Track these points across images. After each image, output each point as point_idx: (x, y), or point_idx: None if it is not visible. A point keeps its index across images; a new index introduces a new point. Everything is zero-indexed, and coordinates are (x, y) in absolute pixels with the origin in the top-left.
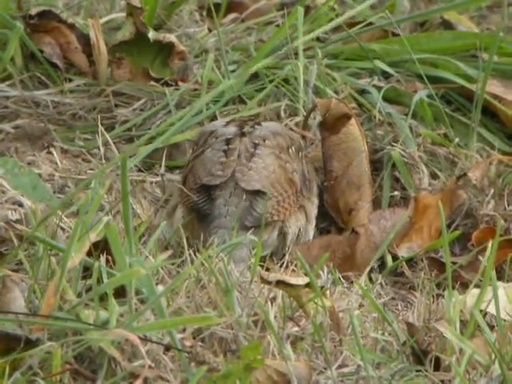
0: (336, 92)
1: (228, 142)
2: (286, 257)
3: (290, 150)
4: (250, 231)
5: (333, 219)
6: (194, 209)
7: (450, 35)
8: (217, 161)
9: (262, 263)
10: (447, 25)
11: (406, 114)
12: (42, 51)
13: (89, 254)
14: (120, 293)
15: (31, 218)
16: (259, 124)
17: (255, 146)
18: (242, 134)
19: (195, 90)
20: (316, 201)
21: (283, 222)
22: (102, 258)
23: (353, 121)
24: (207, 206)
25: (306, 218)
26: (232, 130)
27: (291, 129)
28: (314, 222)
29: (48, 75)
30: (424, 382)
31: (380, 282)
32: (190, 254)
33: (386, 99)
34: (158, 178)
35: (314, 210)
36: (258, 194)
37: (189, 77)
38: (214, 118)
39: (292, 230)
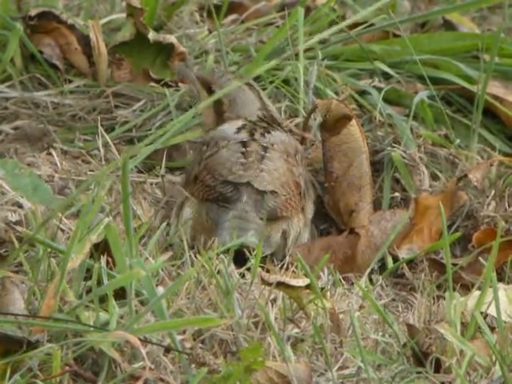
0: (336, 93)
1: (244, 144)
2: (287, 258)
3: (297, 156)
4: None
5: (333, 220)
6: (218, 199)
7: (450, 36)
8: (235, 161)
9: (262, 265)
10: (448, 26)
11: (407, 115)
12: (41, 52)
13: (89, 255)
14: (120, 294)
15: (31, 220)
16: (269, 132)
17: (265, 149)
18: (253, 140)
19: None
20: (312, 206)
21: (287, 223)
22: (103, 260)
23: (353, 122)
24: (236, 196)
25: (304, 220)
26: (243, 135)
27: (291, 131)
28: (309, 225)
29: (48, 76)
30: None
31: (380, 283)
32: (190, 256)
33: (386, 100)
34: (159, 180)
35: (310, 214)
36: (270, 192)
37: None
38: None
39: (294, 230)
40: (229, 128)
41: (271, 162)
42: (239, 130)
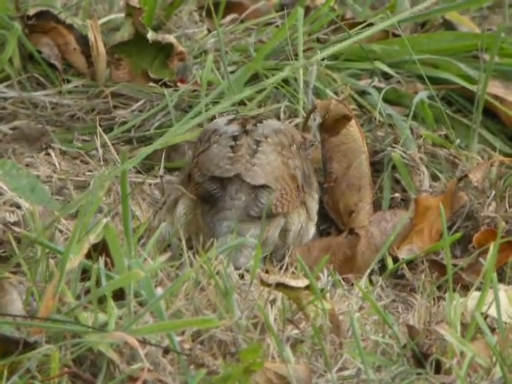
0: (336, 93)
1: (235, 138)
2: (286, 259)
3: (292, 147)
4: (256, 227)
5: (333, 221)
6: (205, 198)
7: (450, 36)
8: (224, 156)
9: (261, 265)
10: (448, 25)
11: (407, 115)
12: (40, 52)
13: (87, 256)
14: (119, 295)
15: (29, 220)
16: (261, 122)
17: (258, 143)
18: (245, 132)
19: (194, 91)
20: (316, 196)
21: (286, 219)
22: (101, 260)
23: (353, 122)
24: (220, 193)
25: (307, 214)
26: (235, 128)
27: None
28: (315, 219)
29: (46, 76)
30: None
31: (380, 284)
32: (189, 256)
33: (386, 100)
34: (157, 180)
35: (315, 206)
36: (263, 187)
37: (188, 78)
38: (213, 119)
39: (295, 226)
40: (220, 119)
41: (264, 155)
42: (230, 121)
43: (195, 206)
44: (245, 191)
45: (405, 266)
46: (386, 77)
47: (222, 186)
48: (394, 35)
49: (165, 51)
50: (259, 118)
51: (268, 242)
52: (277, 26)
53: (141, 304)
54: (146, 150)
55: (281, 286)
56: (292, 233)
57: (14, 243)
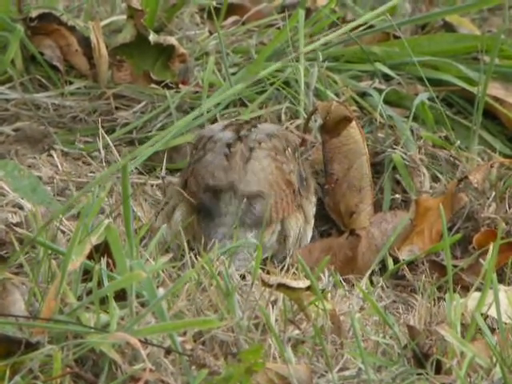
0: (337, 95)
1: (229, 146)
2: (287, 260)
3: (287, 151)
4: (251, 234)
5: (334, 222)
6: (200, 208)
7: (451, 38)
8: (218, 164)
9: (263, 266)
10: (448, 27)
11: (407, 117)
12: (42, 54)
13: (89, 257)
14: (121, 296)
15: (31, 221)
16: (255, 126)
17: (251, 149)
18: (239, 139)
19: (196, 92)
20: (314, 199)
21: (283, 224)
22: (103, 261)
23: (353, 124)
24: (215, 204)
25: (304, 218)
26: (229, 134)
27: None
28: (312, 222)
29: (48, 78)
30: None
31: (381, 284)
32: (190, 257)
33: (386, 102)
34: (159, 181)
35: (312, 209)
36: (257, 194)
37: (189, 79)
38: (214, 120)
39: (293, 231)
40: (216, 125)
41: (257, 161)
42: (225, 127)
43: (191, 214)
44: (239, 199)
45: (405, 266)
46: (387, 78)
47: (217, 195)
48: (395, 37)
49: (166, 53)
50: (254, 122)
51: (265, 247)
52: (278, 28)
53: (142, 305)
54: (147, 151)
55: (282, 286)
56: (291, 238)
57: (16, 244)
